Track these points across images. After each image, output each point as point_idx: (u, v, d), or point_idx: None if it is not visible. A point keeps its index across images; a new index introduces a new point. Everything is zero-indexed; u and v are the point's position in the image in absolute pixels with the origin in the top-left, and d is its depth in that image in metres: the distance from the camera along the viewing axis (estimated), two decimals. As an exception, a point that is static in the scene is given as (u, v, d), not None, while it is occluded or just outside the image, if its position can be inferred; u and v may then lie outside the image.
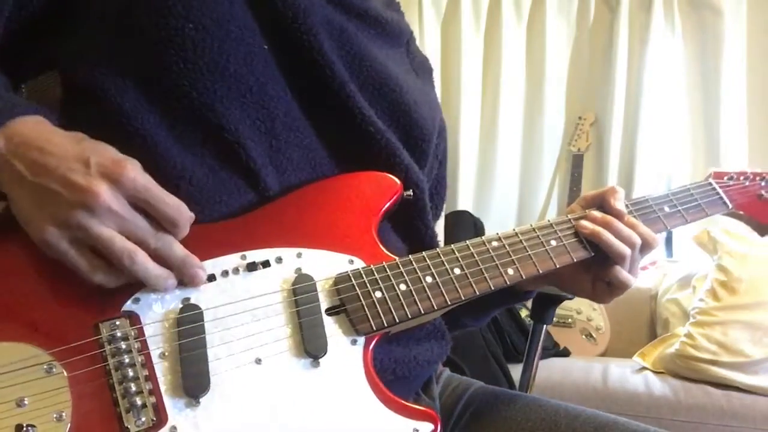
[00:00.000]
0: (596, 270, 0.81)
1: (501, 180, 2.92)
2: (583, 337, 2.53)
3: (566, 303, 2.53)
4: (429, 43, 2.96)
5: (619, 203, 0.81)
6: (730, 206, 0.91)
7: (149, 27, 0.64)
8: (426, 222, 0.79)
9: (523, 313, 2.40)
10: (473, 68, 2.93)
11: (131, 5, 0.65)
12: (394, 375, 0.72)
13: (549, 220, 0.79)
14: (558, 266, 0.76)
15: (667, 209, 0.85)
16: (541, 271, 0.75)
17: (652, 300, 2.56)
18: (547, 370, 2.08)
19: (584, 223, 0.79)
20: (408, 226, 0.78)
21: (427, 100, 0.86)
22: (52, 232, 0.55)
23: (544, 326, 1.42)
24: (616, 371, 2.11)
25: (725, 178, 0.94)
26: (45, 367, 0.56)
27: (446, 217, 2.71)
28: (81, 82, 0.66)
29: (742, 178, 0.95)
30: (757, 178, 0.96)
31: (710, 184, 0.92)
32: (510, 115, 2.92)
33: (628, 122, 2.83)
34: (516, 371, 1.75)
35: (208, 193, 0.66)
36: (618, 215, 0.80)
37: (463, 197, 2.89)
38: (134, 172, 0.56)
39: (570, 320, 2.55)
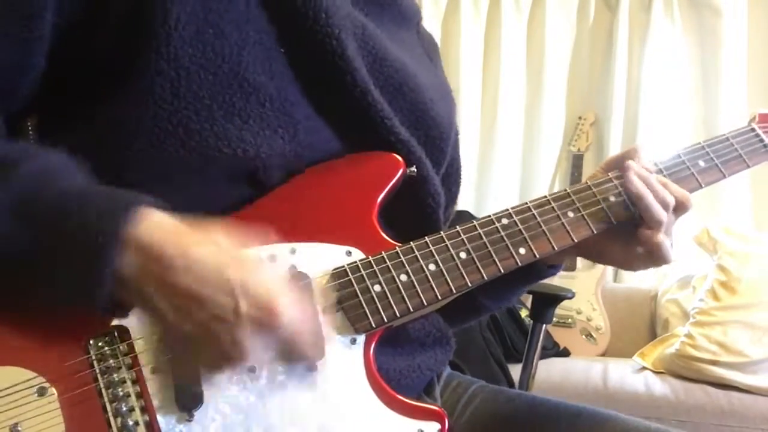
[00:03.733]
0: (625, 236, 0.73)
1: (501, 180, 2.91)
2: (583, 337, 2.53)
3: (566, 303, 2.52)
4: (429, 42, 2.95)
5: (645, 162, 0.73)
6: None
7: (171, 35, 0.60)
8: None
9: (523, 313, 2.40)
10: (473, 68, 2.93)
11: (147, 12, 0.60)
12: (399, 385, 0.69)
13: (566, 189, 0.72)
14: (576, 241, 0.70)
15: (702, 164, 0.76)
16: (557, 249, 0.69)
17: (652, 300, 2.56)
18: (547, 370, 2.08)
19: (634, 179, 0.70)
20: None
21: (442, 92, 0.82)
22: (192, 369, 0.54)
23: (544, 326, 1.42)
24: (616, 371, 2.11)
25: None
26: (37, 389, 0.55)
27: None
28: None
29: None
30: None
31: (753, 129, 0.80)
32: (510, 115, 2.91)
33: (628, 122, 2.82)
34: (516, 371, 1.75)
35: (207, 208, 0.63)
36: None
37: (463, 197, 2.89)
38: (286, 320, 0.50)
39: (570, 320, 2.55)
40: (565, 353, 2.39)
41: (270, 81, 0.64)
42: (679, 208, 0.72)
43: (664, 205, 0.71)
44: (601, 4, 2.90)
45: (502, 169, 2.91)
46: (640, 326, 2.54)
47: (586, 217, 0.71)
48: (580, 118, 2.87)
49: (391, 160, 0.69)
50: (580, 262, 2.71)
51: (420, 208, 0.73)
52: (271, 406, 0.59)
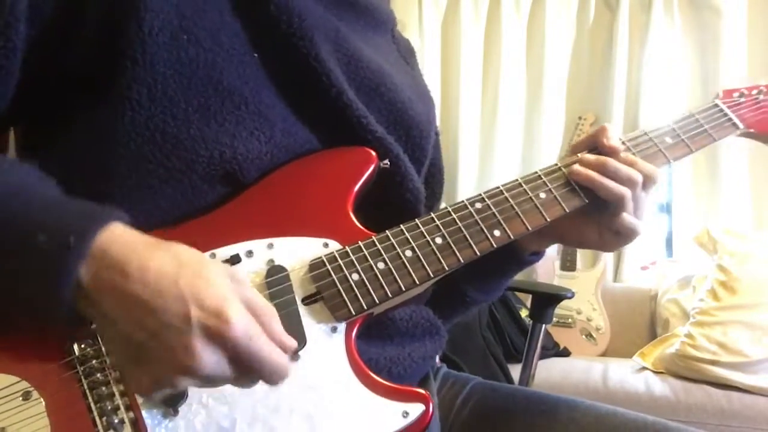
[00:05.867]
0: (599, 217, 0.75)
1: (501, 180, 2.87)
2: (583, 337, 2.53)
3: (566, 303, 2.52)
4: (429, 43, 2.95)
5: (614, 140, 0.75)
6: (742, 127, 0.82)
7: (146, 41, 0.61)
8: None
9: (524, 313, 2.40)
10: (473, 68, 2.93)
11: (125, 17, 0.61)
12: (390, 374, 0.70)
13: (537, 171, 0.74)
14: (549, 220, 0.71)
15: (668, 140, 0.78)
16: (531, 229, 0.70)
17: (652, 300, 2.56)
18: (547, 370, 2.08)
19: (576, 167, 0.74)
20: None
21: (419, 93, 0.84)
22: (147, 386, 0.51)
23: (543, 326, 1.43)
24: (616, 371, 2.11)
25: (735, 95, 0.83)
26: (22, 394, 0.55)
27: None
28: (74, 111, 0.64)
29: (755, 92, 0.84)
30: None
31: (716, 105, 0.83)
32: (510, 115, 2.91)
33: (628, 122, 2.82)
34: (516, 371, 1.76)
35: (186, 210, 0.64)
36: (613, 152, 0.74)
37: (463, 197, 2.87)
38: (238, 328, 0.49)
39: (570, 320, 2.55)
40: (565, 353, 2.39)
41: (245, 85, 0.65)
42: (648, 183, 0.74)
43: (629, 183, 0.72)
44: (601, 4, 2.90)
45: (502, 169, 2.91)
46: (640, 326, 2.54)
47: (558, 197, 0.72)
48: (580, 118, 2.87)
49: (363, 154, 0.70)
50: (580, 262, 2.71)
51: (400, 205, 0.74)
52: (254, 397, 0.59)
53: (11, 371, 0.55)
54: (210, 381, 0.51)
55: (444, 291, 0.80)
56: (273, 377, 0.52)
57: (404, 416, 0.61)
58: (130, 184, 0.62)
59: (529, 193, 0.72)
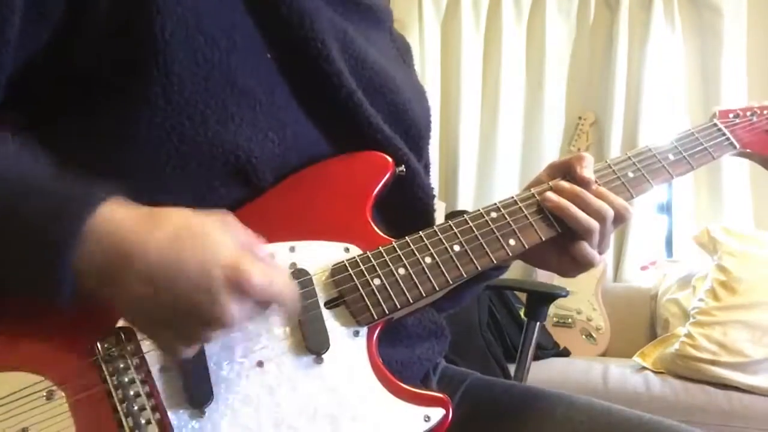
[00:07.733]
0: (563, 243, 0.74)
1: (501, 180, 2.91)
2: (583, 337, 2.52)
3: (566, 303, 2.53)
4: (429, 43, 2.95)
5: (587, 171, 0.73)
6: (738, 146, 0.85)
7: (158, 42, 0.61)
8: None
9: (523, 312, 2.40)
10: (473, 68, 2.93)
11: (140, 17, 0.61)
12: (401, 375, 0.70)
13: (513, 197, 0.74)
14: (561, 231, 0.72)
15: (671, 157, 0.81)
16: (543, 239, 0.71)
17: (652, 300, 2.56)
18: (547, 370, 2.09)
19: (549, 194, 0.73)
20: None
21: (418, 93, 0.85)
22: (175, 345, 0.54)
23: (538, 324, 1.43)
24: (616, 371, 2.11)
25: (730, 116, 0.86)
26: (45, 393, 0.55)
27: (446, 217, 2.70)
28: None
29: (749, 113, 0.87)
30: (765, 112, 0.88)
31: (715, 125, 0.86)
32: (510, 115, 2.91)
33: (628, 122, 2.82)
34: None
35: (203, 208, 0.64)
36: (584, 183, 0.73)
37: (463, 197, 2.89)
38: (256, 276, 0.52)
39: (570, 320, 2.55)
40: (565, 353, 2.39)
41: (259, 86, 0.65)
42: (618, 219, 0.73)
43: (599, 217, 0.72)
44: (601, 4, 2.90)
45: (502, 169, 2.91)
46: (640, 326, 2.54)
47: (533, 223, 0.73)
48: (580, 118, 2.87)
49: (381, 161, 0.71)
50: (581, 262, 2.71)
51: (412, 202, 0.76)
52: (279, 399, 0.60)
53: (34, 370, 0.56)
54: (237, 326, 0.54)
55: None
56: (292, 306, 0.57)
57: (426, 420, 0.61)
58: (146, 186, 0.61)
59: (542, 204, 0.73)
